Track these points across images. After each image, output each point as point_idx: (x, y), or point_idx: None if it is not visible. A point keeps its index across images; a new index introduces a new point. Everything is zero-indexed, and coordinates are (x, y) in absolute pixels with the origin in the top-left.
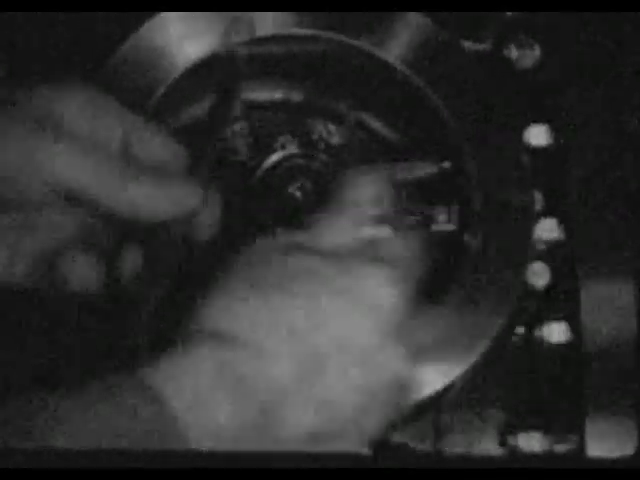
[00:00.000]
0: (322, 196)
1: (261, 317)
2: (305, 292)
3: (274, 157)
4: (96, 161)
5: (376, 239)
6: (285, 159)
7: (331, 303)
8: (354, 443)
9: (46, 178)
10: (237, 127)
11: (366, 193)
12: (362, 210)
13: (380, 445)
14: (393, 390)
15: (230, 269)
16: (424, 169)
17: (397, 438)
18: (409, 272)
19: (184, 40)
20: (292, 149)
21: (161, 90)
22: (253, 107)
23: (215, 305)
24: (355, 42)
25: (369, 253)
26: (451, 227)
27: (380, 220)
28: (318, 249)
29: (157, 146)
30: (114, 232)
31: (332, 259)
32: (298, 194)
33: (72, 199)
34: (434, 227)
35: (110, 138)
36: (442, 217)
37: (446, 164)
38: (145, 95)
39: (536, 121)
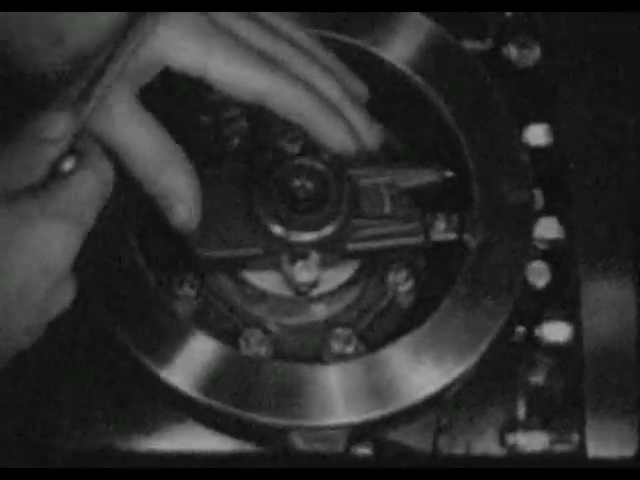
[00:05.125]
0: (322, 195)
1: None
2: None
3: (274, 156)
4: None
5: (51, 188)
6: (286, 158)
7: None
8: None
9: None
10: (237, 126)
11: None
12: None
13: (380, 445)
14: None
15: None
16: (426, 177)
17: (397, 437)
18: (80, 224)
19: None
20: (293, 148)
21: (161, 90)
22: (254, 106)
23: None
24: (355, 42)
25: (43, 202)
26: (451, 237)
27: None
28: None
29: None
30: None
31: (5, 204)
32: (298, 193)
33: None
34: (434, 236)
35: None
36: (442, 226)
37: (449, 173)
38: (145, 94)
39: (536, 120)
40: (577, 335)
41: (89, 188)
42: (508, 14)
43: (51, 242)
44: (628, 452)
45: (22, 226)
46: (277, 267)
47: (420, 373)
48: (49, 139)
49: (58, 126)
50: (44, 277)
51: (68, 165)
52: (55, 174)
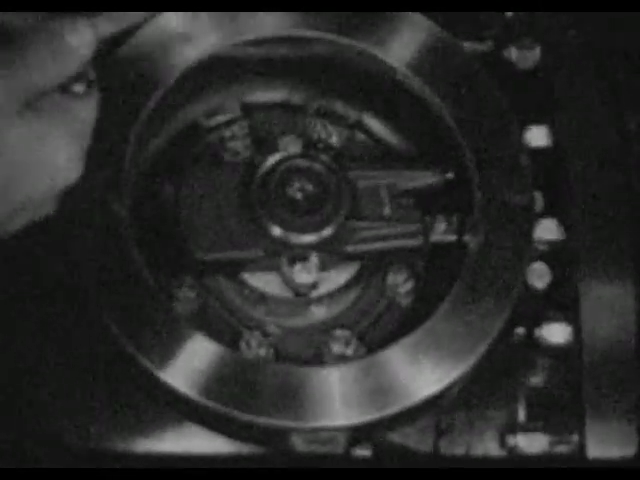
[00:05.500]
0: (322, 197)
1: None
2: None
3: (274, 158)
4: None
5: (64, 105)
6: (285, 160)
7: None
8: None
9: None
10: (237, 128)
11: None
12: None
13: (380, 446)
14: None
15: None
16: (427, 178)
17: (397, 438)
18: (83, 143)
19: (184, 41)
20: (292, 150)
21: (161, 91)
22: (253, 108)
23: None
24: (356, 43)
25: (56, 119)
26: (451, 238)
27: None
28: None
29: None
30: None
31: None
32: (298, 195)
33: None
34: (434, 237)
35: None
36: (442, 227)
37: (450, 175)
38: (145, 95)
39: (536, 122)
40: (577, 336)
41: (94, 113)
42: (508, 15)
43: (60, 159)
44: (628, 452)
45: (35, 141)
46: (276, 269)
47: (420, 374)
48: (72, 45)
49: (81, 34)
50: (49, 192)
51: (80, 88)
52: (67, 91)
